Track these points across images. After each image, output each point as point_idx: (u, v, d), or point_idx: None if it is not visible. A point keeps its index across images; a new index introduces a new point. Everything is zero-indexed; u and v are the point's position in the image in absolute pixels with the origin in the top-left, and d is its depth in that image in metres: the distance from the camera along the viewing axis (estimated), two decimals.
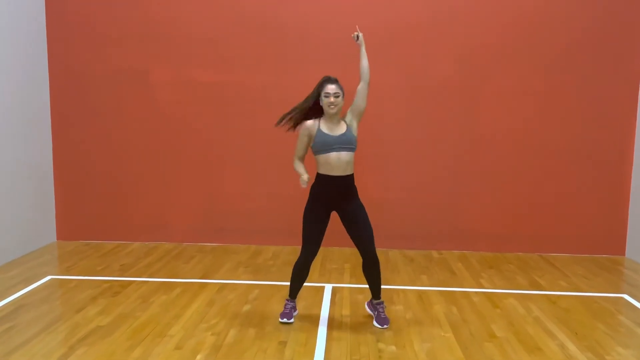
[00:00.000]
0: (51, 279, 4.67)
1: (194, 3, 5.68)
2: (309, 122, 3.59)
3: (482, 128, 5.65)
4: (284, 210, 5.74)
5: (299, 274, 3.74)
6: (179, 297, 4.25)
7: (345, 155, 3.54)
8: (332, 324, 3.77)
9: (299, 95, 5.58)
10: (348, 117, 3.66)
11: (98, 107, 5.85)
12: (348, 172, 3.58)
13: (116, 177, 5.91)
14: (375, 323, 3.72)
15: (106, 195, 5.93)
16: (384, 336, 3.57)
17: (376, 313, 3.77)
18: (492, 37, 5.54)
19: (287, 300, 3.84)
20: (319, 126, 3.58)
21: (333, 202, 3.62)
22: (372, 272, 3.70)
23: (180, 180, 5.89)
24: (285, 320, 3.74)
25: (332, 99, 3.50)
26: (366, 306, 3.93)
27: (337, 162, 3.54)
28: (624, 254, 5.68)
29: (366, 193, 5.75)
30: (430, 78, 5.63)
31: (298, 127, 3.65)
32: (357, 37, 3.71)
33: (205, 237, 5.93)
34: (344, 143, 3.54)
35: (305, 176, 3.54)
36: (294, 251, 5.59)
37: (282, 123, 3.67)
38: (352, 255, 5.44)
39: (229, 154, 5.84)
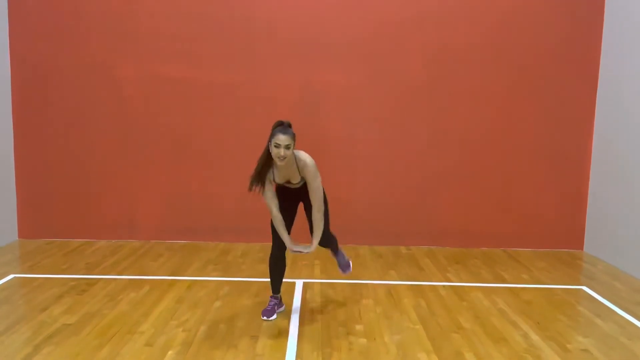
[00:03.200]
0: (14, 277, 4.54)
1: None
2: (267, 181, 3.50)
3: (449, 128, 5.78)
4: (253, 208, 5.71)
5: (274, 267, 3.75)
6: (147, 294, 4.19)
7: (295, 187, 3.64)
8: (303, 318, 3.80)
9: (269, 92, 5.68)
10: (303, 174, 3.52)
11: (62, 102, 5.71)
12: (302, 184, 3.63)
13: (81, 173, 5.78)
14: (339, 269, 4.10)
15: (70, 192, 5.79)
16: (355, 329, 3.62)
17: (338, 261, 4.10)
18: (460, 38, 5.66)
19: (271, 296, 3.85)
20: (273, 177, 3.53)
21: (295, 197, 3.71)
22: (326, 245, 3.90)
23: (147, 178, 5.81)
24: (265, 318, 3.73)
25: (282, 152, 3.30)
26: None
27: (289, 188, 3.66)
28: (582, 249, 5.91)
29: (335, 191, 5.82)
30: (398, 78, 5.72)
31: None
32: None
33: (174, 235, 5.87)
34: (292, 185, 3.61)
35: (289, 246, 3.61)
36: (263, 248, 5.60)
37: (253, 188, 3.50)
38: (321, 251, 5.45)
39: (196, 151, 5.79)
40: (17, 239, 5.81)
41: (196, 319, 3.72)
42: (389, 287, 4.51)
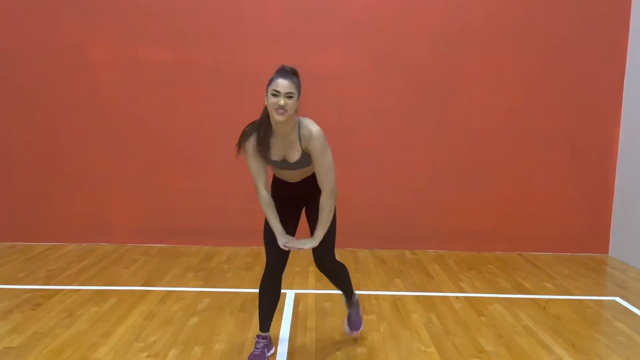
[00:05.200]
0: None
1: None
2: (249, 143, 2.63)
3: (459, 119, 5.18)
4: (242, 208, 5.10)
5: (265, 293, 2.83)
6: (112, 309, 3.58)
7: (292, 172, 2.74)
8: (294, 338, 3.20)
9: (257, 76, 5.02)
10: (305, 144, 2.63)
11: (25, 89, 5.08)
12: (302, 178, 2.78)
13: (48, 169, 5.16)
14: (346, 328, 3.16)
15: (36, 190, 5.17)
16: (356, 353, 3.02)
17: (347, 317, 3.17)
18: (472, 18, 5.06)
19: (257, 336, 2.88)
20: (253, 145, 2.66)
21: (296, 199, 2.87)
22: (335, 282, 3.06)
23: (123, 174, 5.19)
24: None
25: (281, 101, 2.48)
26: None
27: (289, 175, 2.77)
28: (607, 253, 5.32)
29: None
30: (403, 62, 5.11)
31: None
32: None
33: (152, 237, 5.25)
34: (292, 168, 2.70)
35: (281, 240, 2.70)
36: (251, 253, 5.00)
37: (240, 152, 2.68)
38: None
39: (179, 143, 5.17)
40: None
41: (166, 341, 3.11)
42: (394, 299, 3.91)
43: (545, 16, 5.08)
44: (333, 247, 2.86)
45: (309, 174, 2.77)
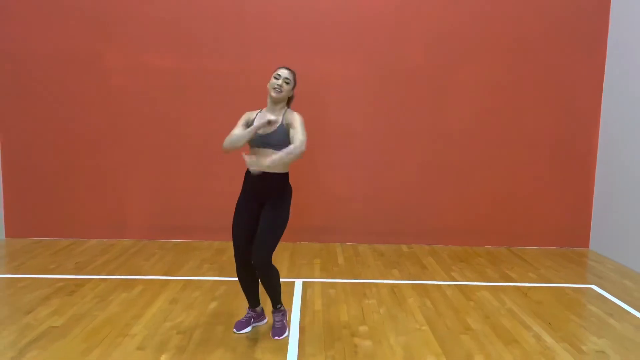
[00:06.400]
0: None
1: None
2: (249, 112, 3.31)
3: (452, 122, 5.61)
4: None
5: (239, 277, 3.29)
6: (139, 295, 3.99)
7: (266, 152, 3.12)
8: (304, 319, 3.61)
9: (262, 82, 5.45)
10: (287, 120, 3.17)
11: (47, 96, 5.48)
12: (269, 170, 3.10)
13: (70, 170, 5.56)
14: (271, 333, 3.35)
15: (58, 190, 5.57)
16: (359, 331, 3.44)
17: (273, 322, 3.38)
18: (463, 28, 5.50)
19: (247, 309, 3.45)
20: (255, 117, 3.26)
21: (257, 196, 3.22)
22: (260, 279, 3.24)
23: (138, 174, 5.60)
24: (235, 330, 3.33)
25: (280, 82, 3.17)
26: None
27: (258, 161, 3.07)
28: (588, 247, 5.76)
29: (332, 188, 5.66)
30: (397, 69, 5.54)
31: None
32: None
33: (166, 233, 5.66)
34: (268, 141, 3.13)
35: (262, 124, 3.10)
36: None
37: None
38: (321, 250, 5.28)
39: (189, 146, 5.58)
40: (4, 238, 5.58)
41: (191, 321, 3.53)
42: (392, 286, 4.33)
43: (531, 26, 5.51)
44: (272, 247, 3.13)
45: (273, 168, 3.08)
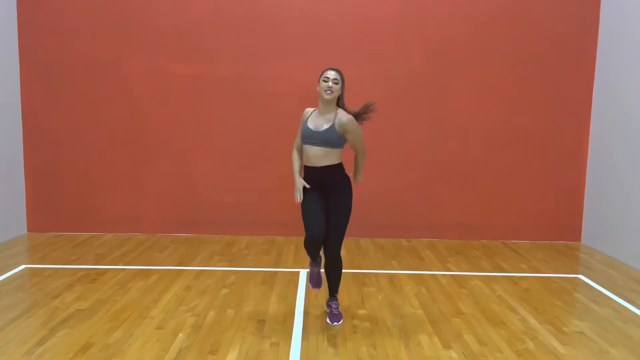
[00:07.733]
0: (25, 268, 4.65)
1: None
2: (307, 109, 3.55)
3: (449, 121, 5.90)
4: (257, 202, 5.86)
5: (307, 247, 3.55)
6: (156, 283, 4.31)
7: (317, 149, 3.40)
8: (308, 304, 3.92)
9: (275, 87, 5.80)
10: (341, 126, 3.39)
11: (69, 98, 5.83)
12: (324, 164, 3.42)
13: (88, 168, 5.90)
14: (327, 319, 3.59)
15: (78, 186, 5.91)
16: (358, 314, 3.74)
17: (329, 310, 3.64)
18: (459, 33, 5.79)
19: (310, 263, 3.68)
20: (308, 116, 3.49)
21: (320, 188, 3.49)
22: (330, 271, 3.59)
23: (152, 172, 5.93)
24: (314, 287, 3.67)
25: (330, 84, 3.34)
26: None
27: (312, 154, 3.43)
28: (579, 240, 6.03)
29: None
30: (400, 71, 5.84)
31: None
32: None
33: (178, 228, 5.98)
34: (320, 139, 3.38)
35: (299, 189, 3.45)
36: (267, 241, 5.72)
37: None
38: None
39: (201, 145, 5.91)
40: (26, 232, 5.92)
41: (205, 305, 3.84)
42: (390, 276, 4.63)
43: (524, 30, 5.80)
44: (343, 237, 3.52)
45: (330, 158, 3.42)
